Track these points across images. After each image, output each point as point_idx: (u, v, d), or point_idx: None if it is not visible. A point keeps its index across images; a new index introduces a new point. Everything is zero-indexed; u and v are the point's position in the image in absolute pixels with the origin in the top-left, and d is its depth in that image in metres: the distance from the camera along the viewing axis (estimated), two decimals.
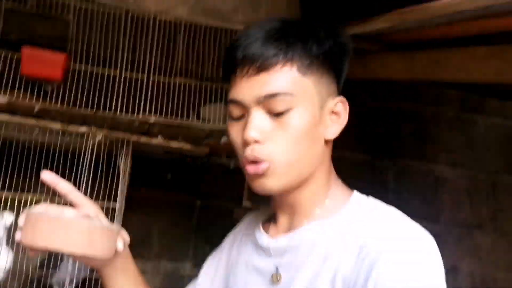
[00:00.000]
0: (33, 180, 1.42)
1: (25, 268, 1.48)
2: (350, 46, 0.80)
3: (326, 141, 0.78)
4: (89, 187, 1.39)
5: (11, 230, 1.32)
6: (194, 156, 1.89)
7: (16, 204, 1.36)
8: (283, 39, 0.74)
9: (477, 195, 2.29)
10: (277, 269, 0.79)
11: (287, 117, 0.74)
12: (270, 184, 0.75)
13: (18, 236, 0.72)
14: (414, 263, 0.66)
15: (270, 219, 0.87)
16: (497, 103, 2.36)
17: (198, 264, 1.98)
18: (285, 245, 0.79)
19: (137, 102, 1.46)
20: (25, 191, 1.39)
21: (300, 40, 0.75)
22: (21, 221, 0.72)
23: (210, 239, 1.97)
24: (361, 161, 2.18)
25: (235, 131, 0.77)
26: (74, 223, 0.70)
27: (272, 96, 0.73)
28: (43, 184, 0.79)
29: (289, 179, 0.75)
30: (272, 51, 0.73)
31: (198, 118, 1.65)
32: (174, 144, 1.50)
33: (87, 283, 1.53)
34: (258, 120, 0.74)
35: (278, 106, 0.73)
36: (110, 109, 1.43)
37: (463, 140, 2.33)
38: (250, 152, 0.74)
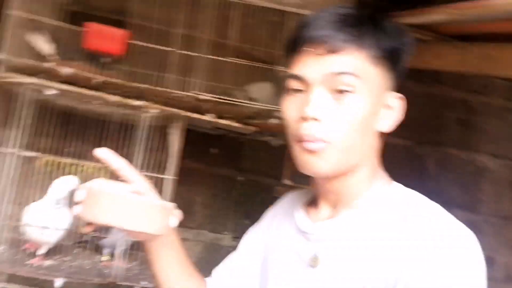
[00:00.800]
0: (90, 148, 1.51)
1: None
2: (413, 47, 0.81)
3: (378, 133, 0.80)
4: (142, 158, 1.46)
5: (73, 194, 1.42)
6: (239, 133, 1.95)
7: (75, 170, 1.45)
8: (356, 27, 0.75)
9: None
10: (315, 254, 0.80)
11: (349, 100, 0.74)
12: (321, 165, 0.75)
13: (77, 209, 0.74)
14: (455, 262, 0.66)
15: (311, 202, 0.89)
16: None
17: (237, 236, 2.07)
18: (325, 232, 0.81)
19: (190, 79, 1.51)
20: (84, 158, 1.48)
21: (372, 31, 0.76)
22: (78, 195, 0.74)
23: (249, 213, 2.04)
24: (401, 146, 2.19)
25: (291, 106, 0.78)
26: (135, 201, 0.73)
27: (339, 74, 0.73)
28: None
29: (339, 163, 0.76)
30: (344, 36, 0.74)
31: (246, 97, 1.69)
32: (223, 122, 1.55)
33: (135, 246, 1.63)
34: (321, 98, 0.74)
35: (343, 85, 0.74)
36: (164, 85, 1.49)
37: (508, 131, 2.30)
38: (308, 129, 0.74)
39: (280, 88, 1.72)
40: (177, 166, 1.52)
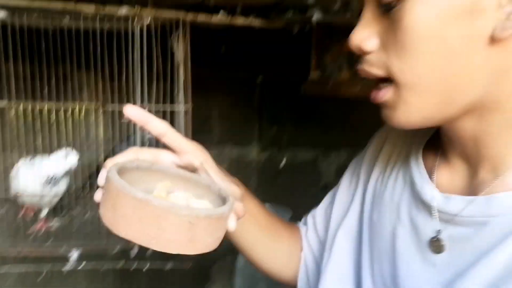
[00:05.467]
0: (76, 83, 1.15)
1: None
2: None
3: (499, 41, 0.45)
4: (141, 86, 1.11)
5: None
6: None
7: (60, 117, 1.11)
8: None
9: None
10: (441, 238, 0.53)
11: (399, 12, 0.46)
12: (397, 116, 0.50)
13: (97, 197, 0.51)
14: None
15: (435, 145, 0.59)
16: None
17: (265, 147, 1.80)
18: (468, 215, 0.51)
19: None
20: (70, 99, 1.12)
21: None
22: (100, 180, 0.51)
23: (276, 119, 1.73)
24: None
25: None
26: (170, 213, 0.46)
27: None
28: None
29: (425, 110, 0.49)
30: None
31: None
32: (241, 21, 1.16)
33: None
34: (367, 20, 0.50)
35: None
36: None
37: None
38: (361, 64, 0.51)
39: None
40: (187, 92, 1.17)
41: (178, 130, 1.18)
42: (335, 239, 0.69)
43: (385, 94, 0.50)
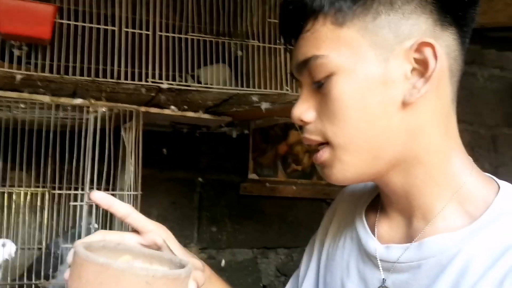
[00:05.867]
0: (24, 168, 1.14)
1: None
2: None
3: (409, 105, 0.55)
4: (91, 172, 1.13)
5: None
6: (192, 126, 1.66)
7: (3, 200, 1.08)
8: None
9: (479, 149, 2.22)
10: (387, 286, 0.59)
11: (327, 87, 0.57)
12: (335, 174, 0.59)
13: (66, 276, 0.54)
14: None
15: (376, 204, 0.67)
16: (495, 54, 2.26)
17: (205, 247, 1.79)
18: (404, 261, 0.58)
19: (142, 65, 1.19)
20: (15, 184, 1.10)
21: None
22: (69, 258, 0.54)
23: (216, 219, 1.76)
24: None
25: None
26: (128, 274, 0.49)
27: (305, 63, 0.58)
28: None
29: (357, 167, 0.58)
30: (302, 4, 0.57)
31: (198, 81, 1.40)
32: (191, 115, 1.25)
33: None
34: (304, 96, 0.60)
35: (315, 74, 0.57)
36: (110, 75, 1.15)
37: (463, 94, 2.23)
38: (303, 133, 0.61)
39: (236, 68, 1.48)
40: (137, 176, 1.20)
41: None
42: None
43: (322, 155, 0.59)
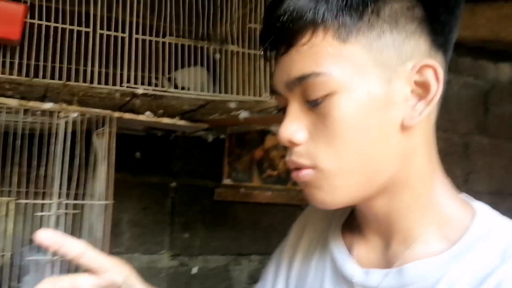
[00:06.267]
0: None
1: None
2: None
3: (407, 128, 0.54)
4: (63, 180, 1.07)
5: None
6: (166, 130, 1.61)
7: None
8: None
9: (451, 156, 2.24)
10: None
11: (326, 107, 0.52)
12: (322, 197, 0.55)
13: None
14: None
15: (351, 222, 0.65)
16: (469, 62, 2.29)
17: (176, 254, 1.74)
18: (383, 287, 0.55)
19: (117, 68, 1.14)
20: None
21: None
22: None
23: (188, 225, 1.72)
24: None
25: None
26: None
27: (301, 80, 0.52)
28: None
29: (348, 191, 0.54)
30: (298, 13, 0.51)
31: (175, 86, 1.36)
32: (167, 121, 1.20)
33: None
34: (294, 115, 0.54)
35: (312, 92, 0.52)
36: (83, 79, 1.09)
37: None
38: (289, 156, 0.55)
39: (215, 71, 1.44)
40: (109, 185, 1.15)
41: (96, 224, 1.13)
42: None
43: (306, 175, 0.54)
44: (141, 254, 1.65)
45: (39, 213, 1.01)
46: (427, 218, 0.56)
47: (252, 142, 1.79)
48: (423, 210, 0.56)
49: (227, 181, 1.77)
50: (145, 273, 1.65)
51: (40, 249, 1.18)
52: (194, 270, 1.71)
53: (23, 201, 1.04)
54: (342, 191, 0.54)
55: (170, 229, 1.70)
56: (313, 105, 0.53)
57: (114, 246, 1.60)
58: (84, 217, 1.11)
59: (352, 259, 0.60)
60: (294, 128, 0.54)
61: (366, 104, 0.51)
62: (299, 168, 0.55)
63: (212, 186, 1.74)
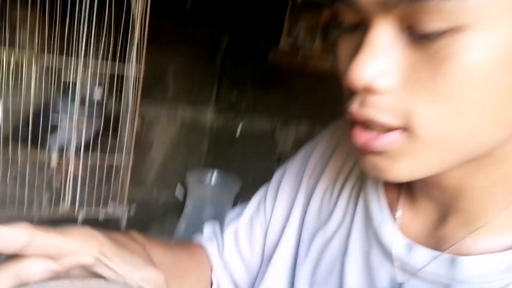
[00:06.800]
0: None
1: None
2: None
3: None
4: (86, 40, 0.98)
5: None
6: None
7: None
8: None
9: None
10: None
11: (446, 47, 0.34)
12: (399, 171, 0.39)
13: None
14: None
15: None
16: None
17: (221, 111, 1.69)
18: (432, 272, 0.44)
19: None
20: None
21: None
22: None
23: (237, 83, 1.63)
24: None
25: (343, 51, 0.38)
26: None
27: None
28: None
29: (438, 167, 0.39)
30: None
31: None
32: None
33: (90, 146, 1.25)
34: (381, 48, 0.35)
35: (428, 21, 0.33)
36: None
37: None
38: (359, 105, 0.37)
39: None
40: (142, 50, 1.04)
41: (125, 95, 1.06)
42: (268, 268, 0.62)
43: (392, 143, 0.38)
44: (184, 107, 1.61)
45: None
46: (508, 201, 0.42)
47: (321, 2, 1.56)
48: (507, 193, 0.42)
49: (285, 42, 1.60)
50: (187, 127, 1.64)
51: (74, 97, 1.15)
52: (238, 129, 1.67)
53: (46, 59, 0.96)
54: (428, 166, 0.39)
55: (218, 85, 1.62)
56: (421, 39, 0.35)
57: (160, 94, 1.56)
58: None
59: (393, 222, 0.49)
60: (379, 66, 0.36)
61: (506, 57, 0.34)
62: (376, 128, 0.38)
63: (267, 47, 1.59)
